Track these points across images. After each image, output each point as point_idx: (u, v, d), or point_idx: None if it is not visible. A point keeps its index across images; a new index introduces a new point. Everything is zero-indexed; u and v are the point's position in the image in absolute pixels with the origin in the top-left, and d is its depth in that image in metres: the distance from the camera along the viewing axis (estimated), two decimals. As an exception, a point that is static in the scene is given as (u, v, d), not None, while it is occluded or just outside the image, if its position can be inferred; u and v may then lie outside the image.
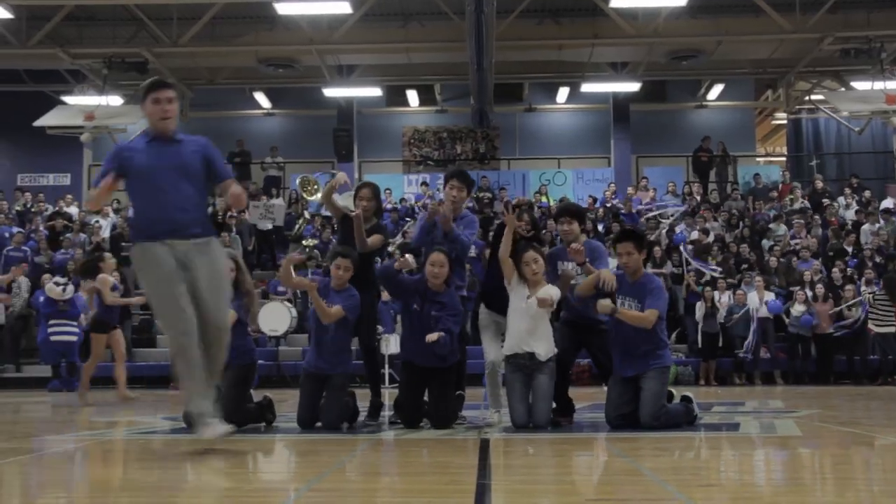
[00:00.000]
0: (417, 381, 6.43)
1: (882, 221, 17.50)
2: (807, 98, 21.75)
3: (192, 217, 4.96)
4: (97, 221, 18.32)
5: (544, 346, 6.18)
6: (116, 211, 19.18)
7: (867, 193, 19.22)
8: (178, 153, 5.00)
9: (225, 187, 5.12)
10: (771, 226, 17.92)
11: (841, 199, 19.08)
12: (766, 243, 17.25)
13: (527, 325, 6.19)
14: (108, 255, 11.76)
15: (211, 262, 4.98)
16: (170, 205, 4.88)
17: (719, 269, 15.00)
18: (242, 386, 6.47)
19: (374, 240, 6.58)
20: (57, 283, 12.39)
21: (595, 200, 19.45)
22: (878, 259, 16.07)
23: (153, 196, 4.92)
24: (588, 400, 7.38)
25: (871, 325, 13.84)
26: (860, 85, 19.54)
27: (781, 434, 6.00)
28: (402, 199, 20.35)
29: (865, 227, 17.37)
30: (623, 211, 18.49)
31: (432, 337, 6.06)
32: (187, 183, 4.96)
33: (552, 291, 6.06)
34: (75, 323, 12.38)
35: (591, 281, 6.07)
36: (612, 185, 20.15)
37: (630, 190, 19.63)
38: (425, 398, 6.47)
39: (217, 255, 5.10)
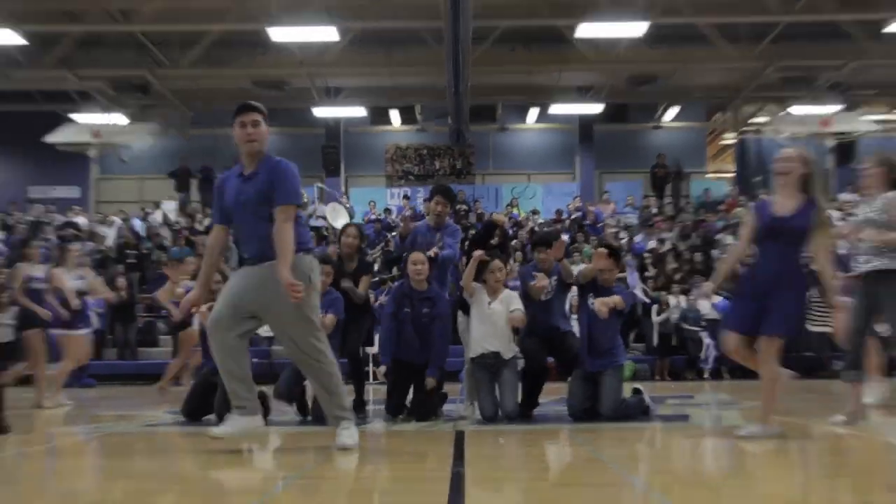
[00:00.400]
0: (405, 376, 6.50)
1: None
2: (752, 120, 21.95)
3: None
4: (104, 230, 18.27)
5: (506, 345, 6.33)
6: (124, 220, 19.10)
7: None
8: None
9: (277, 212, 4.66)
10: (719, 236, 18.02)
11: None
12: (715, 252, 17.35)
13: (488, 329, 6.33)
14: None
15: None
16: None
17: (647, 298, 14.89)
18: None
19: (364, 283, 6.99)
20: None
21: (561, 213, 19.57)
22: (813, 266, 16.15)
23: None
24: (553, 394, 7.38)
25: (807, 325, 13.90)
26: (798, 109, 19.73)
27: (727, 424, 6.07)
28: (386, 210, 20.39)
29: None
30: (587, 222, 18.58)
31: (431, 383, 6.37)
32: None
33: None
34: None
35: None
36: (577, 198, 20.23)
37: (590, 206, 19.64)
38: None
39: None
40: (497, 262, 6.44)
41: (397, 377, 6.55)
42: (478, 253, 6.46)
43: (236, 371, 4.65)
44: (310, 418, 6.42)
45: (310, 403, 6.45)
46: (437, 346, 6.47)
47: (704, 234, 18.05)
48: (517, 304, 6.34)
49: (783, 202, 4.98)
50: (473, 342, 6.41)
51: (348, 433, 4.63)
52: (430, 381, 6.34)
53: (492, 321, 6.32)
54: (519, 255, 14.64)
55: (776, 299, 4.80)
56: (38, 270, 8.81)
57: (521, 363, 6.55)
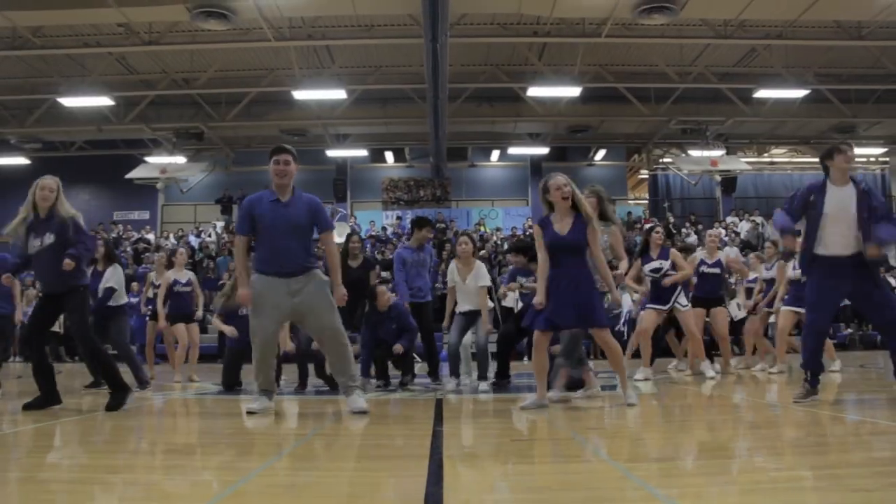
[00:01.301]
0: (385, 357, 6.92)
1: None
2: (661, 160, 22.21)
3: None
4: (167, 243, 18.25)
5: (475, 305, 6.73)
6: (181, 237, 19.03)
7: (700, 226, 19.60)
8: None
9: (324, 239, 4.77)
10: (637, 248, 18.16)
11: (684, 230, 19.45)
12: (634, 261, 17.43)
13: (465, 296, 6.72)
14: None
15: None
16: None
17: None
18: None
19: (372, 276, 7.26)
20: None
21: (516, 230, 19.67)
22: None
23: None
24: (524, 369, 7.34)
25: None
26: (694, 153, 19.98)
27: (644, 392, 6.11)
28: (383, 228, 20.40)
29: (699, 250, 17.59)
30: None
31: (398, 348, 6.75)
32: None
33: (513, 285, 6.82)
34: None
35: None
36: (529, 219, 20.31)
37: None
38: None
39: None
40: (465, 238, 6.86)
41: (381, 359, 6.95)
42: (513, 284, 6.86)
43: (270, 369, 4.71)
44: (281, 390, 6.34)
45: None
46: (404, 342, 6.80)
47: (627, 246, 18.13)
48: (484, 280, 6.73)
49: (562, 222, 4.65)
50: (459, 302, 6.79)
51: (361, 399, 4.59)
52: (398, 347, 6.74)
53: (466, 293, 6.71)
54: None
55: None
56: (182, 276, 8.43)
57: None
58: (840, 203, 4.60)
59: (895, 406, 4.52)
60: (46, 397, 4.89)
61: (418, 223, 7.32)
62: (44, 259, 4.88)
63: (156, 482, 2.58)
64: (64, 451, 3.41)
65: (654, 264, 7.41)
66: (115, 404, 4.83)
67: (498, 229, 19.95)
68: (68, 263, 4.69)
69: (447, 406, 5.16)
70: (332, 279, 4.64)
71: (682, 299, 7.46)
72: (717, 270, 7.95)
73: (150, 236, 19.74)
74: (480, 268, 6.75)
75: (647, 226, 14.10)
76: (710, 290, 7.94)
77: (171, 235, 19.54)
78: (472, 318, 6.72)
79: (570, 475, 2.58)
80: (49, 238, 4.86)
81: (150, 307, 8.80)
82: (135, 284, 14.57)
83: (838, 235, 4.59)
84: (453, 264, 6.83)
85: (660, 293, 7.42)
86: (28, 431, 4.02)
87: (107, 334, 7.09)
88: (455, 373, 6.70)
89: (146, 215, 21.73)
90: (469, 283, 6.69)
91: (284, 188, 4.61)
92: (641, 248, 7.65)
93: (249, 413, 4.53)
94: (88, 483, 2.57)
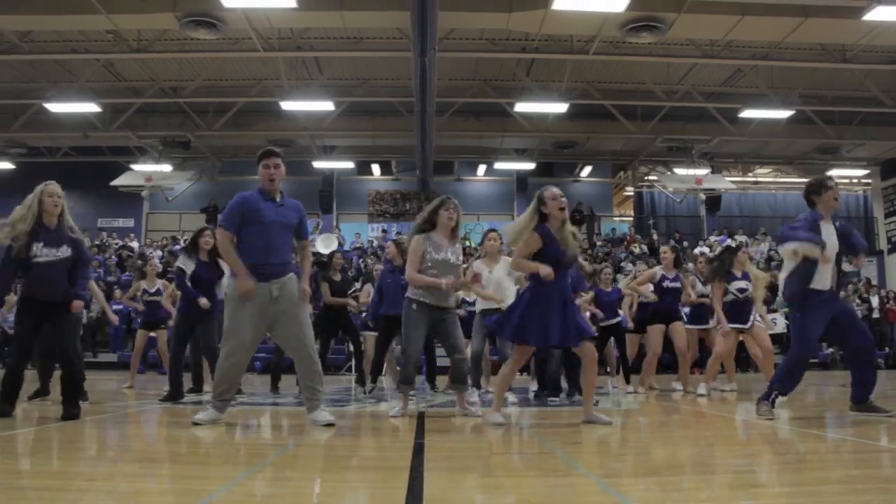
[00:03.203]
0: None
1: (692, 263, 17.91)
2: (646, 178, 22.38)
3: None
4: (150, 252, 18.11)
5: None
6: (163, 247, 18.89)
7: (685, 243, 19.75)
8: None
9: (304, 245, 4.83)
10: (622, 264, 18.27)
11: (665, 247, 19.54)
12: (619, 276, 17.51)
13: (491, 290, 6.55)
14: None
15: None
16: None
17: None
18: None
19: (363, 293, 8.22)
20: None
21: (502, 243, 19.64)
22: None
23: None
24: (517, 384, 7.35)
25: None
26: (679, 171, 20.16)
27: (625, 408, 6.11)
28: (370, 241, 20.37)
29: (658, 267, 17.65)
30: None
31: None
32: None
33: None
34: None
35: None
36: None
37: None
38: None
39: None
40: (492, 234, 6.98)
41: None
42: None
43: (238, 378, 4.70)
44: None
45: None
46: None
47: (612, 262, 18.26)
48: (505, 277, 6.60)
49: (559, 234, 4.59)
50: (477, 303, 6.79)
51: (325, 412, 4.55)
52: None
53: (493, 283, 6.54)
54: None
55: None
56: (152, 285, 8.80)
57: None
58: (829, 239, 4.75)
59: (872, 425, 4.56)
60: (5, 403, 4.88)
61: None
62: (54, 270, 4.85)
63: (131, 491, 2.55)
64: (33, 459, 3.35)
65: (741, 284, 7.33)
66: (70, 416, 4.79)
67: (481, 244, 19.97)
68: (77, 306, 4.95)
69: (429, 418, 5.14)
70: (301, 281, 4.65)
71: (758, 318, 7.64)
72: (677, 285, 8.04)
73: (135, 244, 19.63)
74: (507, 262, 6.50)
75: (729, 243, 14.09)
76: (670, 305, 8.00)
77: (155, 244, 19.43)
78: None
79: (550, 489, 2.58)
80: (66, 251, 4.88)
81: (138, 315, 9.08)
82: (118, 292, 14.50)
83: (827, 270, 4.78)
84: (479, 262, 6.74)
85: (738, 313, 7.30)
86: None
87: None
88: (477, 384, 6.46)
89: (130, 223, 21.65)
90: (496, 274, 6.47)
91: (274, 191, 4.64)
92: (722, 268, 7.40)
93: (196, 424, 4.43)
94: (63, 490, 2.53)
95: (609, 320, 8.07)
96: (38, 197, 4.89)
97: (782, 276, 4.93)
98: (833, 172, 19.22)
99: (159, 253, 18.20)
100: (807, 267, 4.73)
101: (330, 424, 4.39)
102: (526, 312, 4.42)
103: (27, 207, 4.87)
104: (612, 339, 8.42)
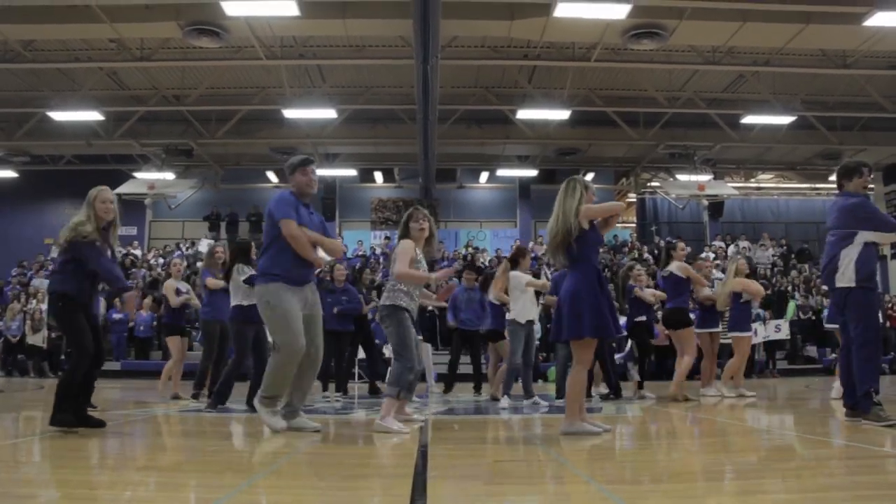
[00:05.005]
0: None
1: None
2: (648, 184, 22.37)
3: None
4: (154, 260, 18.19)
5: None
6: (162, 256, 18.92)
7: (689, 249, 19.67)
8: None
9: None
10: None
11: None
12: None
13: (531, 304, 7.09)
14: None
15: None
16: None
17: None
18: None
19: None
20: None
21: (501, 251, 19.61)
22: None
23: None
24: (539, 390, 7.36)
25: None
26: (681, 177, 20.14)
27: (630, 414, 6.10)
28: (372, 248, 20.39)
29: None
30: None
31: None
32: None
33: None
34: None
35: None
36: (518, 241, 20.33)
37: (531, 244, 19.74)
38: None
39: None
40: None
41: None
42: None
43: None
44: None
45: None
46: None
47: (615, 268, 18.25)
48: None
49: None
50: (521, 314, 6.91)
51: (308, 419, 4.66)
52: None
53: (530, 298, 6.98)
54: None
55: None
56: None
57: None
58: None
59: (877, 431, 4.54)
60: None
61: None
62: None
63: (137, 499, 2.56)
64: (41, 467, 3.36)
65: (706, 291, 7.88)
66: (60, 422, 4.58)
67: (483, 249, 19.91)
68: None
69: (434, 425, 5.13)
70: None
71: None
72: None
73: (138, 252, 19.67)
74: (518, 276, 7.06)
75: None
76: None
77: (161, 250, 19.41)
78: (531, 328, 6.90)
79: (552, 496, 2.58)
80: (108, 254, 4.94)
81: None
82: (118, 301, 14.47)
83: None
84: (517, 272, 6.95)
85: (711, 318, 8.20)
86: (6, 447, 3.97)
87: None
88: (530, 393, 6.81)
89: (133, 231, 21.58)
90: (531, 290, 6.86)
91: (311, 197, 4.82)
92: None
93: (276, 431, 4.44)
94: (70, 499, 2.54)
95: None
96: (91, 203, 4.86)
97: (847, 262, 4.66)
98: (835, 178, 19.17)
99: (161, 261, 18.22)
100: (875, 249, 4.71)
101: (316, 430, 4.51)
102: (594, 304, 4.14)
103: (88, 211, 4.83)
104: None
